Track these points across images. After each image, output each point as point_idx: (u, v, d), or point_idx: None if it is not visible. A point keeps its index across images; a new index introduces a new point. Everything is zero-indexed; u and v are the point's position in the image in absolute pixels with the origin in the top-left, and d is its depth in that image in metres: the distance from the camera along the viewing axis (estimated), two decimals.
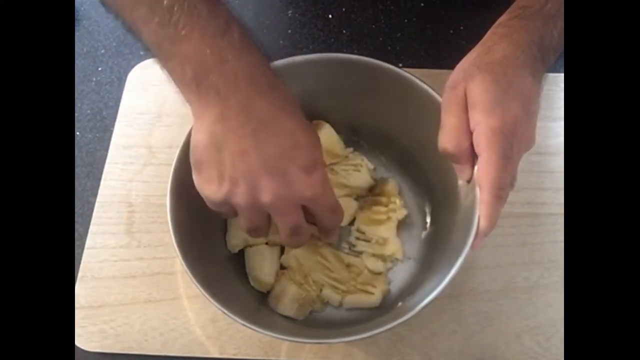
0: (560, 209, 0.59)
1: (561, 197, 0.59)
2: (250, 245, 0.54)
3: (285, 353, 0.53)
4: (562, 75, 0.65)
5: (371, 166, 0.59)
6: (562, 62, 0.41)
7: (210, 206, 0.43)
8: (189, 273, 0.45)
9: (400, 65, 0.66)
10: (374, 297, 0.52)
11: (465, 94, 0.43)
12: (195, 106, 0.41)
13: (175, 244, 0.46)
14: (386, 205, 0.57)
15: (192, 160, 0.42)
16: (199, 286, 0.45)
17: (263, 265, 0.53)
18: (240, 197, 0.41)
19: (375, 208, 0.57)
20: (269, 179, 0.40)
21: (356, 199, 0.58)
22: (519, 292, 0.55)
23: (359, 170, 0.57)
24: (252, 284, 0.54)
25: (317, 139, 0.44)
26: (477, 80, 0.42)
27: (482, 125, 0.42)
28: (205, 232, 0.53)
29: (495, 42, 0.44)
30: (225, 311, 0.44)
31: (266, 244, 0.55)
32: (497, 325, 0.54)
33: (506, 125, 0.41)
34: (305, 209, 0.43)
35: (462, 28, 0.70)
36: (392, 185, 0.58)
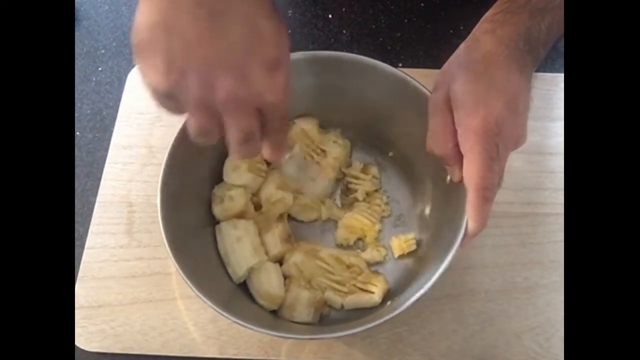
0: (560, 209, 0.59)
1: (561, 197, 0.59)
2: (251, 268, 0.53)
3: (285, 353, 0.53)
4: (562, 75, 0.65)
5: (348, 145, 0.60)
6: (562, 62, 0.41)
7: (154, 98, 0.38)
8: (184, 276, 0.45)
9: (400, 65, 0.67)
10: (375, 297, 0.52)
11: (449, 95, 0.43)
12: None
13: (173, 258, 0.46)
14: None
15: (135, 43, 0.36)
16: (193, 288, 0.45)
17: (271, 279, 0.53)
18: (189, 92, 0.36)
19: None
20: (226, 73, 0.35)
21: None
22: (519, 292, 0.55)
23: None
24: (261, 302, 0.52)
25: (284, 31, 0.38)
26: (459, 81, 0.42)
27: (465, 126, 0.42)
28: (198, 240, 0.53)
29: (478, 39, 0.44)
30: (224, 313, 0.44)
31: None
32: (497, 325, 0.54)
33: (488, 125, 0.41)
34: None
35: (462, 28, 0.70)
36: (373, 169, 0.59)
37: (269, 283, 0.52)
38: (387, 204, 0.59)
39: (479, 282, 0.56)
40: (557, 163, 0.61)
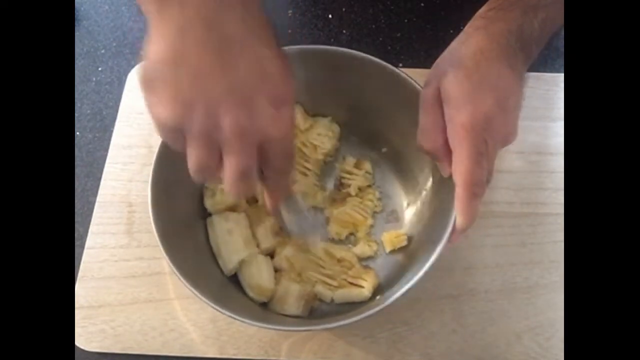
0: (560, 209, 0.59)
1: (561, 197, 0.59)
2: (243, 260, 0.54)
3: (285, 353, 0.53)
4: (562, 75, 0.65)
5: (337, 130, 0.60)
6: (562, 62, 0.41)
7: (160, 132, 0.38)
8: (173, 267, 0.46)
9: (400, 65, 0.67)
10: (365, 291, 0.52)
11: (440, 91, 0.43)
12: (154, 17, 0.36)
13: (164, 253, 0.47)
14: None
15: (141, 76, 0.36)
16: (182, 278, 0.46)
17: (262, 272, 0.53)
18: (194, 124, 0.35)
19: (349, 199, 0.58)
20: (232, 106, 0.35)
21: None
22: (519, 292, 0.55)
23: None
24: (251, 295, 0.53)
25: (290, 71, 0.39)
26: (449, 77, 0.42)
27: (454, 122, 0.42)
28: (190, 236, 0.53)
29: (470, 36, 0.44)
30: (214, 305, 0.44)
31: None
32: (497, 325, 0.54)
33: (477, 121, 0.41)
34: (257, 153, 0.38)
35: (462, 28, 0.69)
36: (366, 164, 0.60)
37: (259, 275, 0.53)
38: (379, 199, 0.59)
39: (479, 282, 0.56)
40: (557, 163, 0.61)
